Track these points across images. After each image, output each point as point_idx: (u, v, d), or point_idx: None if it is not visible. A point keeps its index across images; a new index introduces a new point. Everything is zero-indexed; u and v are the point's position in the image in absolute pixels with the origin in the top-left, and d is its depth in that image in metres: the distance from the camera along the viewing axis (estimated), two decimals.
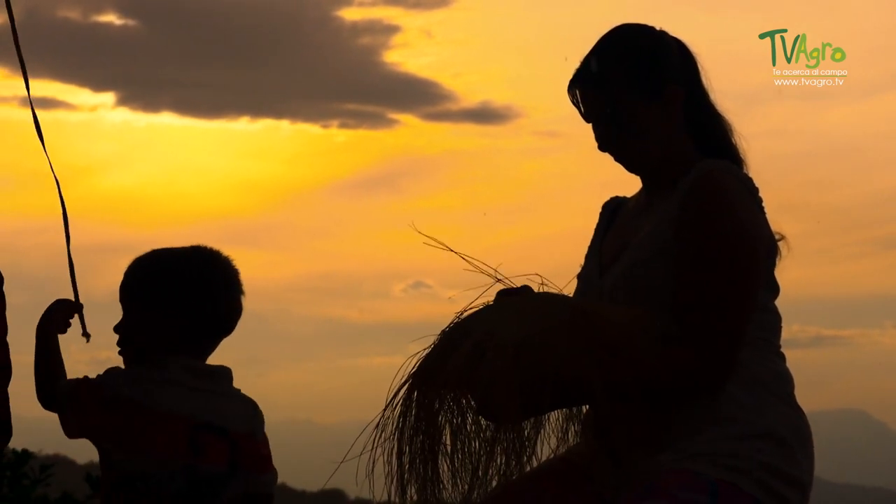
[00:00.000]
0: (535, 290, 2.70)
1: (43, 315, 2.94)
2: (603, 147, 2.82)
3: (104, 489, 2.86)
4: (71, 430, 2.86)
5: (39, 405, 2.88)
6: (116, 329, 2.92)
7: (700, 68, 2.84)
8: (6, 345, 2.75)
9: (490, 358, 2.53)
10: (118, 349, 2.93)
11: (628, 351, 2.56)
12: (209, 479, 2.81)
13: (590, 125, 2.83)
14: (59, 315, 2.96)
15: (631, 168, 2.84)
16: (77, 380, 2.85)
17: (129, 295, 2.92)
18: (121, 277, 2.92)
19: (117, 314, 2.96)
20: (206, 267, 2.91)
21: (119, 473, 2.80)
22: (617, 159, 2.83)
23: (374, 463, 2.59)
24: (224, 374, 2.91)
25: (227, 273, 2.93)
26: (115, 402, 2.79)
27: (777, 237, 2.76)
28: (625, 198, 2.98)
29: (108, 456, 2.83)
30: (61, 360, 2.91)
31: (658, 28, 2.84)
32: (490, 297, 2.66)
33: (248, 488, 2.89)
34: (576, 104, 2.83)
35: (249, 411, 2.93)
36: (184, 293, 2.86)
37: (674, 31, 2.86)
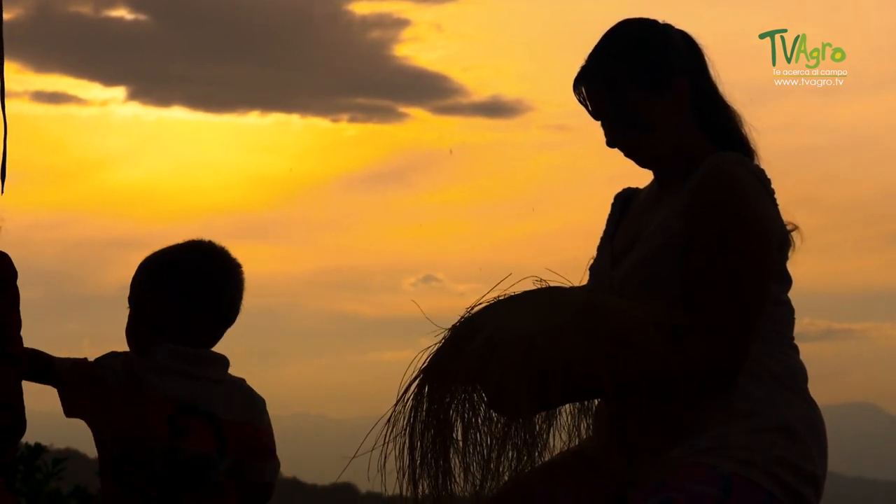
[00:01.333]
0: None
1: None
2: (612, 144, 2.82)
3: (100, 471, 2.92)
4: (66, 409, 2.93)
5: (52, 400, 2.93)
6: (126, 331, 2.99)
7: (707, 60, 2.84)
8: (20, 339, 2.77)
9: (502, 352, 2.54)
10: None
11: (640, 344, 2.55)
12: (193, 462, 2.86)
13: (599, 121, 2.83)
14: None
15: (642, 163, 2.84)
16: (75, 360, 2.92)
17: (130, 292, 2.99)
18: (131, 271, 2.99)
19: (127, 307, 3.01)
20: (200, 257, 2.97)
21: (109, 453, 2.87)
22: (627, 155, 2.83)
23: (385, 457, 2.60)
24: (215, 360, 2.96)
25: (223, 263, 2.99)
26: (104, 382, 2.87)
27: (790, 227, 2.75)
28: (637, 189, 2.97)
29: (98, 436, 2.90)
30: (32, 353, 2.90)
31: (662, 21, 2.83)
32: (500, 291, 2.67)
33: (247, 476, 2.94)
34: (582, 102, 2.82)
35: (245, 400, 2.97)
36: (176, 283, 2.93)
37: (680, 25, 2.86)
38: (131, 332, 2.96)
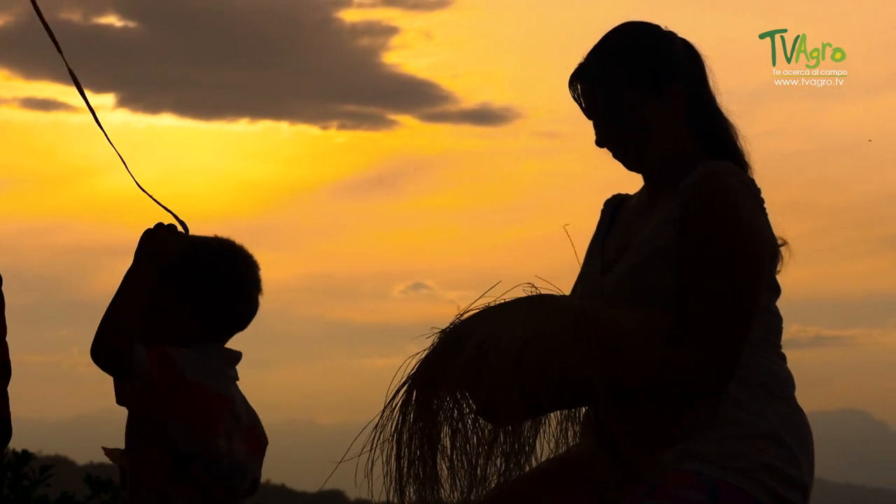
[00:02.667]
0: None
1: (151, 242, 2.83)
2: (601, 143, 2.81)
3: (154, 473, 2.80)
4: (129, 397, 2.78)
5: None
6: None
7: (707, 70, 2.83)
8: (5, 344, 2.76)
9: (492, 359, 2.53)
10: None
11: (632, 352, 2.55)
12: (239, 466, 2.86)
13: (590, 123, 2.83)
14: (172, 243, 2.86)
15: (630, 165, 2.83)
16: (153, 349, 2.78)
17: (163, 280, 2.88)
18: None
19: None
20: (234, 261, 2.93)
21: (178, 451, 2.79)
22: (615, 156, 2.82)
23: (373, 463, 2.59)
24: (238, 358, 2.95)
25: (251, 269, 2.96)
26: (183, 379, 2.80)
27: (779, 242, 2.75)
28: (627, 195, 2.97)
29: (168, 435, 2.80)
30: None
31: (665, 27, 2.83)
32: (490, 298, 2.66)
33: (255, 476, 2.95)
34: (577, 99, 2.81)
35: (247, 402, 2.97)
36: (211, 285, 2.88)
37: (676, 30, 2.85)
38: (162, 324, 2.87)
